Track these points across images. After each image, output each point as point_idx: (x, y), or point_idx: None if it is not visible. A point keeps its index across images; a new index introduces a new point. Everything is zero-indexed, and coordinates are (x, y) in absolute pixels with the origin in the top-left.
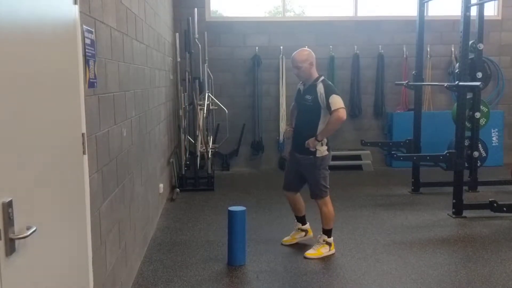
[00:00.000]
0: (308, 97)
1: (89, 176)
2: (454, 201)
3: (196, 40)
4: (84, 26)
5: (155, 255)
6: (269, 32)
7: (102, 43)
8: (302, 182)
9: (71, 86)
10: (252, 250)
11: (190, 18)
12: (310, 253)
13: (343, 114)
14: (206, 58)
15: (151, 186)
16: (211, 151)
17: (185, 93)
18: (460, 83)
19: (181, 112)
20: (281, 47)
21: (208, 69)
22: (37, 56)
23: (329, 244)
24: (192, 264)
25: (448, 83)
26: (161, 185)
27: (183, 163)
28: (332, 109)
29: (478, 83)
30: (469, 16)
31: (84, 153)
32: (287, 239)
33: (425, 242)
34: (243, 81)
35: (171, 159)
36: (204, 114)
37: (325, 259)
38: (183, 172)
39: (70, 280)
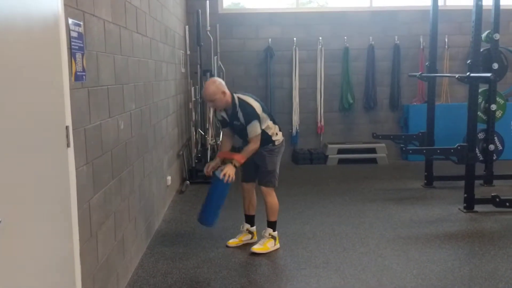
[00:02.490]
0: (237, 122)
1: (76, 169)
2: (465, 195)
3: (208, 32)
4: (70, 19)
5: (157, 247)
6: (282, 23)
7: (93, 36)
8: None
9: (53, 79)
10: (254, 242)
11: (199, 10)
12: (257, 247)
13: (257, 144)
14: (218, 51)
15: (157, 178)
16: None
17: (197, 86)
18: (472, 75)
19: (190, 105)
20: (294, 38)
21: (220, 62)
22: (11, 49)
23: (274, 238)
24: (192, 256)
25: (460, 75)
26: (169, 178)
27: (193, 156)
28: (249, 137)
29: (488, 74)
30: (481, 5)
31: (68, 145)
32: (233, 241)
33: (431, 237)
34: (256, 74)
35: (181, 152)
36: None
37: (326, 253)
38: (193, 165)
39: (51, 270)
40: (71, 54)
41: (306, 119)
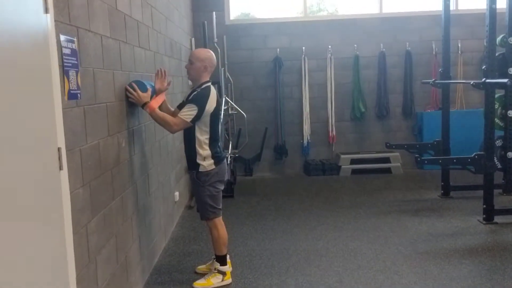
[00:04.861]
0: (186, 102)
1: (71, 192)
2: (484, 206)
3: (215, 44)
4: (62, 36)
5: (164, 267)
6: (290, 33)
7: (89, 52)
8: None
9: (42, 99)
10: (265, 261)
11: (205, 22)
12: (199, 282)
13: (175, 127)
14: (226, 62)
15: (163, 195)
16: (231, 157)
17: None
18: (487, 81)
19: None
20: (303, 47)
21: (228, 73)
22: None
23: (222, 273)
24: (199, 277)
25: (475, 81)
26: (177, 193)
27: None
28: (179, 114)
29: (505, 80)
30: (495, 8)
31: (61, 168)
32: (201, 267)
33: (450, 252)
34: (265, 84)
35: None
36: (221, 120)
37: (340, 272)
38: None
39: None
40: (64, 72)
41: (317, 129)
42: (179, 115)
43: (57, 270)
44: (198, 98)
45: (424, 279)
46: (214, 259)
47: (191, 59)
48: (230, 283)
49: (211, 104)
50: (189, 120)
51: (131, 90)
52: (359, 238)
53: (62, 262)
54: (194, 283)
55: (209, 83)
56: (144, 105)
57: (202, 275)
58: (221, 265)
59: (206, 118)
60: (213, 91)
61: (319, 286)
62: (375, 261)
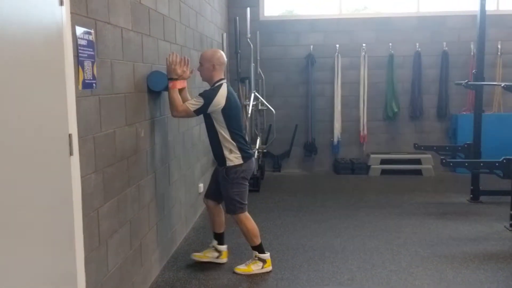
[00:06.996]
0: None
1: (82, 177)
2: (511, 212)
3: (248, 40)
4: (78, 27)
5: (181, 256)
6: (324, 30)
7: (107, 43)
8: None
9: (55, 88)
10: (279, 255)
11: (237, 18)
12: (240, 268)
13: (176, 112)
14: (258, 58)
15: (186, 185)
16: (259, 152)
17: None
18: None
19: None
20: (337, 45)
21: (260, 69)
22: (7, 58)
23: (262, 260)
24: (214, 267)
25: (506, 83)
26: (201, 185)
27: None
28: (185, 103)
29: None
30: None
31: (71, 154)
32: (197, 254)
33: (470, 257)
34: (296, 81)
35: None
36: (249, 115)
37: (353, 270)
38: None
39: (50, 276)
40: (78, 62)
41: (348, 128)
42: (185, 103)
43: (65, 250)
44: (206, 93)
45: (438, 282)
46: (211, 246)
47: (200, 61)
48: (271, 271)
49: (218, 101)
50: (192, 109)
51: (175, 59)
52: (378, 237)
53: (70, 243)
54: (235, 268)
55: (222, 81)
56: (171, 78)
57: (204, 262)
58: (259, 253)
59: (217, 114)
60: (224, 89)
61: (329, 283)
62: (391, 261)
